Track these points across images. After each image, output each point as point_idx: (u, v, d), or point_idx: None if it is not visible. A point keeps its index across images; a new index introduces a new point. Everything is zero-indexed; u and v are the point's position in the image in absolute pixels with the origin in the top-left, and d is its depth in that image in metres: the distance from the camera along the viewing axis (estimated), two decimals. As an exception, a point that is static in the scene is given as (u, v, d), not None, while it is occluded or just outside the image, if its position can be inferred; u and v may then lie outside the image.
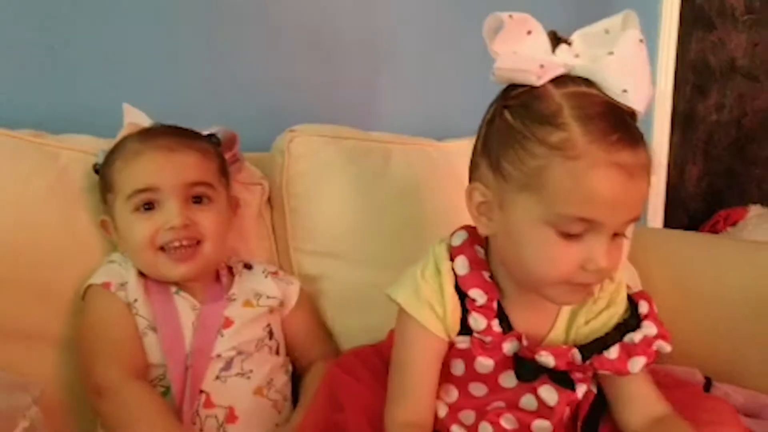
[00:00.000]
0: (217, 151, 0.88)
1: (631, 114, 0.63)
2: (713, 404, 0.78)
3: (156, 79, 1.06)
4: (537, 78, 0.63)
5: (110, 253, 0.86)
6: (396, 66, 1.26)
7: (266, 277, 0.91)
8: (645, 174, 0.63)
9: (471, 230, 0.74)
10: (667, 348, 0.69)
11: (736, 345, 1.03)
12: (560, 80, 0.63)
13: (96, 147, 0.90)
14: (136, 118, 0.88)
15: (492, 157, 0.66)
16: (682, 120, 1.67)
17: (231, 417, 0.80)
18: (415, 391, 0.72)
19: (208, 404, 0.79)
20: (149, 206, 0.81)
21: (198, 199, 0.83)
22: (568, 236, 0.63)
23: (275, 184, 1.00)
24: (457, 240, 0.74)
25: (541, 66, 0.63)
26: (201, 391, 0.79)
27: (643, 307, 0.72)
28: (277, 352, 0.88)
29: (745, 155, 1.80)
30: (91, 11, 1.02)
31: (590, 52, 0.64)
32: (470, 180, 0.70)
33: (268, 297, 0.88)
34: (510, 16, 0.64)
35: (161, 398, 0.77)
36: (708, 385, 0.94)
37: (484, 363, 0.71)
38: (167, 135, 0.84)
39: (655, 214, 1.59)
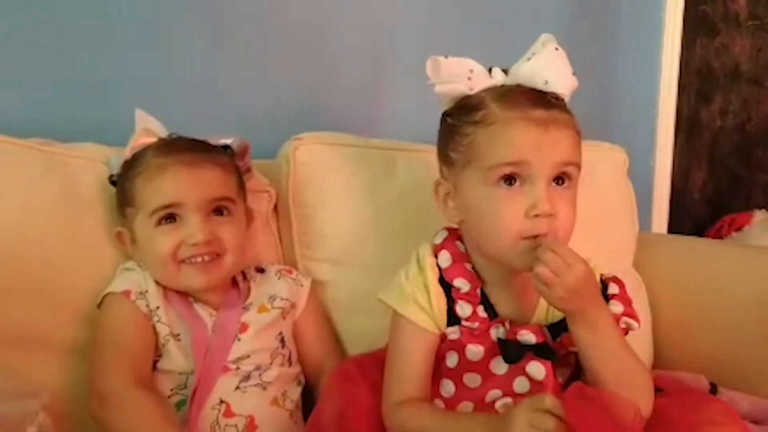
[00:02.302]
0: (234, 163, 0.89)
1: (555, 98, 0.73)
2: (716, 406, 0.79)
3: (161, 87, 1.07)
4: (469, 89, 0.74)
5: (125, 261, 0.87)
6: (399, 72, 1.26)
7: (279, 278, 0.92)
8: (564, 127, 0.72)
9: (451, 230, 0.81)
10: (634, 325, 0.75)
11: (741, 351, 1.02)
12: (490, 88, 0.74)
13: (103, 155, 0.90)
14: (149, 123, 0.88)
15: (442, 153, 0.78)
16: (686, 125, 1.67)
17: (251, 426, 0.81)
18: (409, 377, 0.76)
19: (229, 414, 0.80)
20: (171, 219, 0.82)
21: (219, 212, 0.84)
22: (506, 186, 0.71)
23: (281, 191, 1.01)
24: (439, 238, 0.81)
25: (471, 71, 0.74)
26: (221, 401, 0.80)
27: (613, 289, 0.77)
28: (290, 362, 0.89)
29: (750, 160, 1.80)
30: (97, 20, 1.03)
31: (516, 69, 0.76)
32: None
33: (281, 299, 0.89)
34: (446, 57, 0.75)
35: (166, 408, 0.77)
36: (713, 392, 0.94)
37: (474, 350, 0.75)
38: (189, 150, 0.84)
39: (660, 220, 1.59)
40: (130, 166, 0.84)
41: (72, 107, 1.02)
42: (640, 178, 1.31)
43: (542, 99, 0.72)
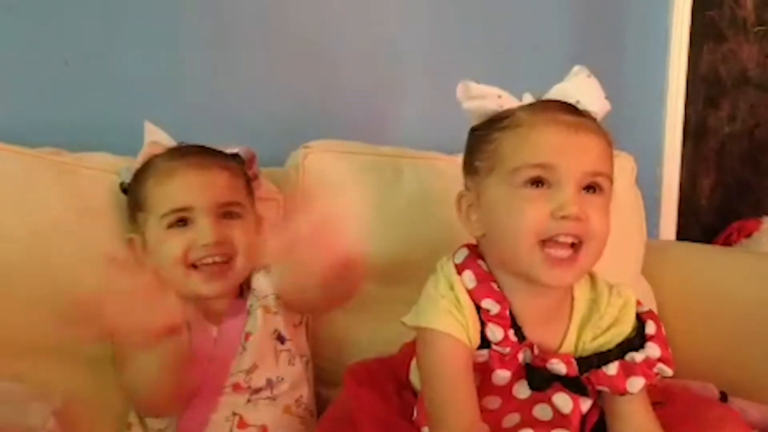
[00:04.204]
0: (243, 170, 0.90)
1: (587, 112, 0.71)
2: (721, 411, 0.78)
3: (169, 98, 1.08)
4: (498, 106, 0.72)
5: None
6: (406, 80, 1.27)
7: (261, 276, 0.88)
8: (591, 132, 0.69)
9: (471, 247, 0.76)
10: (668, 372, 0.70)
11: (751, 359, 1.02)
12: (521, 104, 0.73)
13: (114, 165, 0.91)
14: (158, 136, 0.89)
15: (467, 165, 0.75)
16: (694, 132, 1.67)
17: None
18: (461, 404, 0.69)
19: (242, 425, 0.80)
20: (182, 222, 0.82)
21: (229, 215, 0.84)
22: (532, 186, 0.67)
23: (290, 199, 1.01)
24: (460, 257, 0.75)
25: (499, 96, 0.72)
26: (234, 413, 0.80)
27: (650, 328, 0.72)
28: (299, 356, 0.88)
29: (759, 166, 1.79)
30: (105, 31, 1.04)
31: (547, 94, 0.74)
32: None
33: (263, 297, 0.87)
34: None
35: None
36: (723, 400, 0.93)
37: (502, 375, 0.71)
38: (198, 153, 0.85)
39: (668, 227, 1.58)
40: (141, 171, 0.85)
41: (82, 117, 1.03)
42: (647, 184, 1.31)
43: (572, 107, 0.71)
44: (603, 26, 1.46)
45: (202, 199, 0.81)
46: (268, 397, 0.83)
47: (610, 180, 0.70)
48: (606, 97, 0.73)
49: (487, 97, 0.72)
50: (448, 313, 0.70)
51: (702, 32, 1.64)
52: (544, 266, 0.67)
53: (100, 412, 0.81)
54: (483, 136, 0.72)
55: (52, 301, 0.82)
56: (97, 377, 0.83)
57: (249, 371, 0.83)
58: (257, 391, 0.83)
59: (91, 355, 0.84)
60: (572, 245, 0.68)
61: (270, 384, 0.83)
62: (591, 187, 0.69)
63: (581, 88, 0.72)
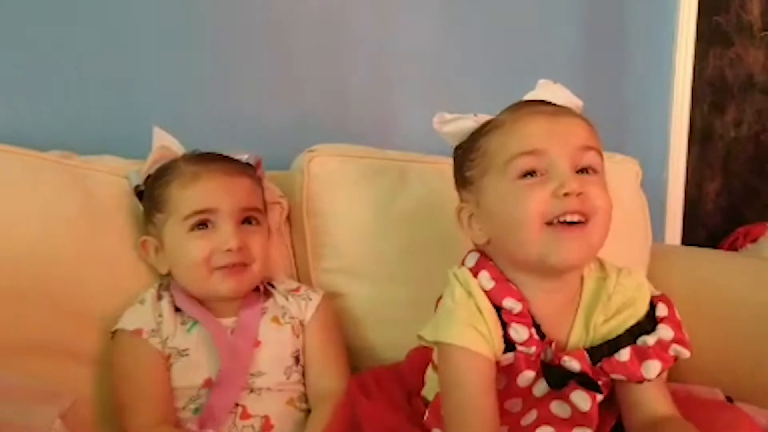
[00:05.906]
0: (258, 177, 0.91)
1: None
2: (731, 414, 0.77)
3: (175, 101, 1.08)
4: (476, 123, 0.74)
5: (142, 273, 0.88)
6: (411, 84, 1.27)
7: (288, 299, 0.91)
8: (574, 116, 0.71)
9: (479, 251, 0.75)
10: (685, 353, 0.69)
11: (757, 364, 1.01)
12: None
13: (122, 168, 0.92)
14: (167, 141, 0.90)
15: (459, 179, 0.76)
16: (699, 136, 1.67)
17: (267, 426, 0.82)
18: (486, 421, 0.67)
19: (245, 415, 0.82)
20: (203, 226, 0.83)
21: (248, 221, 0.86)
22: (527, 177, 0.68)
23: (295, 203, 1.02)
24: (471, 261, 0.75)
25: (475, 114, 0.75)
26: (237, 404, 0.81)
27: (661, 310, 0.71)
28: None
29: (765, 171, 1.79)
30: (113, 38, 1.05)
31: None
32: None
33: (290, 317, 0.89)
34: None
35: None
36: (729, 406, 0.93)
37: (527, 376, 0.71)
38: (221, 160, 0.87)
39: (674, 231, 1.58)
40: (161, 173, 0.86)
41: (89, 121, 1.03)
42: (653, 189, 1.31)
43: (549, 102, 0.72)
44: (609, 30, 1.47)
45: (226, 203, 0.83)
46: (271, 389, 0.84)
47: (602, 156, 0.71)
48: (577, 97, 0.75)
49: (463, 118, 0.75)
50: (468, 326, 0.69)
51: (708, 37, 1.64)
52: (556, 245, 0.66)
53: (104, 415, 0.81)
54: (468, 148, 0.74)
55: (60, 302, 0.83)
56: (98, 377, 0.84)
57: (254, 375, 0.84)
58: (260, 389, 0.84)
59: (97, 356, 0.84)
60: (579, 224, 0.67)
61: (269, 390, 0.84)
62: (584, 170, 0.69)
63: (550, 93, 0.74)
